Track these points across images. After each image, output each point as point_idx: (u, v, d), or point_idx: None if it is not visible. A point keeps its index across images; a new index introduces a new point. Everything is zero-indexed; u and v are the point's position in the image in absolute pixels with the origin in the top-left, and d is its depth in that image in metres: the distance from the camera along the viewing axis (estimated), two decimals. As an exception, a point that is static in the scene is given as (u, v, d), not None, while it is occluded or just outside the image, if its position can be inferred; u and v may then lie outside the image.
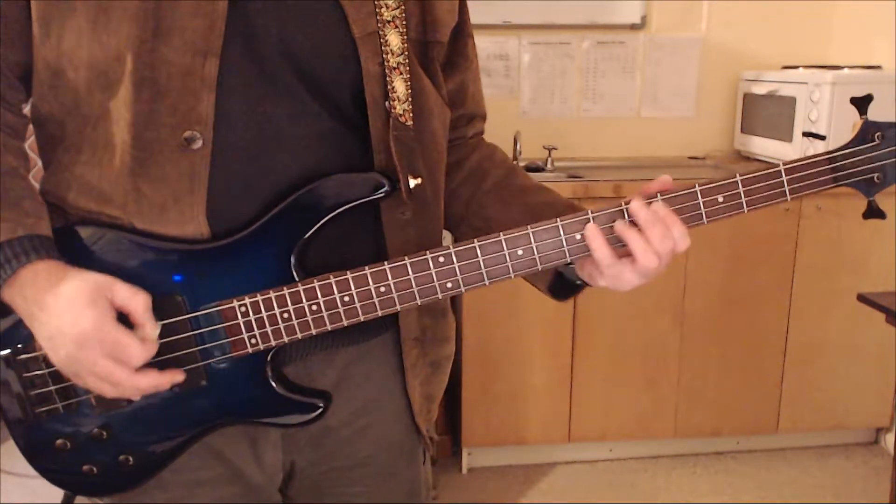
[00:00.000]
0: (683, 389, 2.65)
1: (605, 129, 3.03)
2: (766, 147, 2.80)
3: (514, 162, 1.05)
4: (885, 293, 1.86)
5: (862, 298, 1.83)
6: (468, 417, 2.60)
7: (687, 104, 3.03)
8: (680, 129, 3.06)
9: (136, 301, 0.77)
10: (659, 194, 0.81)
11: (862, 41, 2.85)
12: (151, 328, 0.78)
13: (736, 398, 2.68)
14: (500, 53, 2.91)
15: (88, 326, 0.74)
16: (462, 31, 0.96)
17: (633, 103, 3.02)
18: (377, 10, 0.84)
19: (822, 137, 2.47)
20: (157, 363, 0.79)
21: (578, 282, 0.90)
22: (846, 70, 2.55)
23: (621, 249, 0.81)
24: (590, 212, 0.81)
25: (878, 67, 2.68)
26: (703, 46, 2.98)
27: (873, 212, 0.83)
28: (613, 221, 0.81)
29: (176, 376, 0.80)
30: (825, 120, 2.46)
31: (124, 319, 0.77)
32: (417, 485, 1.03)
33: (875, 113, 0.83)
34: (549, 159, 2.83)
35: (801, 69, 2.72)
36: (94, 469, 0.85)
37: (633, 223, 0.80)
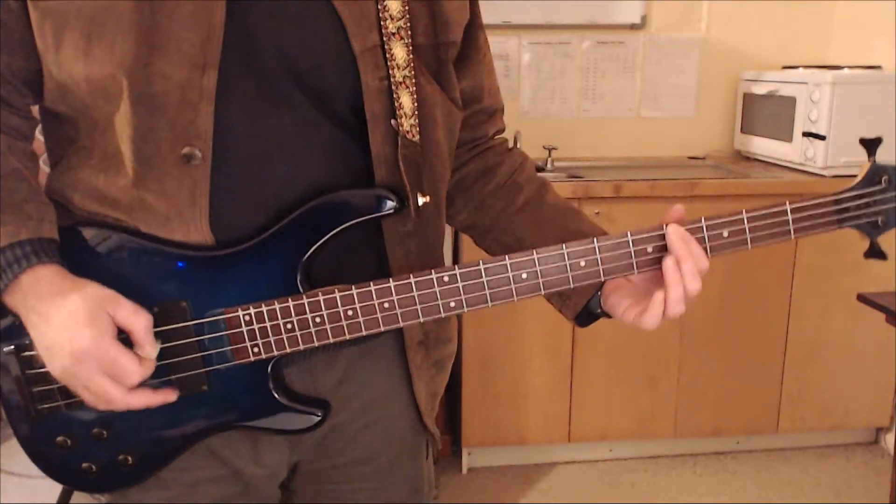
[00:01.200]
0: (683, 389, 2.65)
1: (605, 129, 3.03)
2: (766, 147, 2.80)
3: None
4: (885, 293, 1.86)
5: (862, 298, 1.83)
6: (468, 417, 2.60)
7: (687, 104, 3.03)
8: (680, 129, 3.06)
9: (138, 320, 0.77)
10: (703, 219, 0.81)
11: (862, 41, 2.85)
12: (151, 348, 0.78)
13: (736, 398, 2.68)
14: (500, 53, 2.91)
15: (87, 344, 0.74)
16: (473, 24, 0.94)
17: (632, 103, 3.02)
18: (381, 22, 0.82)
19: (822, 137, 2.47)
20: (159, 367, 0.80)
21: (599, 310, 0.91)
22: (846, 70, 2.55)
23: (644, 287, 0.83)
24: (595, 240, 0.81)
25: (878, 67, 2.68)
26: (703, 46, 2.98)
27: (875, 252, 0.84)
28: (618, 250, 0.81)
29: (169, 396, 0.80)
30: (825, 120, 2.46)
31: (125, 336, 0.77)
32: (420, 482, 1.03)
33: (874, 112, 0.83)
34: (549, 159, 2.82)
35: (801, 69, 2.72)
36: (94, 467, 0.85)
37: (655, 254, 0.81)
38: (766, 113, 2.79)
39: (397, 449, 0.99)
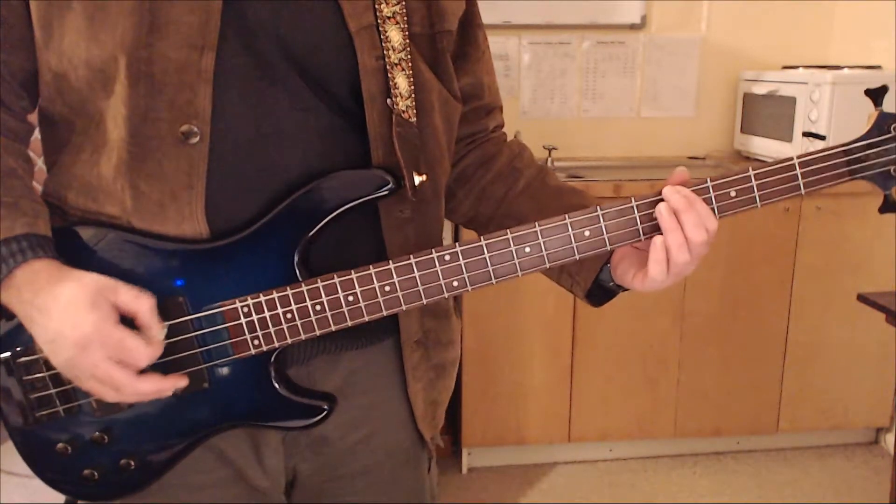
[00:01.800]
0: (683, 389, 2.65)
1: (605, 129, 3.03)
2: (766, 147, 2.80)
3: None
4: (885, 293, 1.86)
5: (862, 298, 1.83)
6: (468, 417, 2.60)
7: (687, 104, 3.03)
8: (680, 129, 3.06)
9: (141, 303, 0.76)
10: (709, 179, 0.80)
11: (862, 41, 2.85)
12: (158, 329, 0.77)
13: (736, 398, 2.68)
14: (500, 53, 2.91)
15: (90, 329, 0.73)
16: (471, 21, 0.95)
17: (633, 103, 3.02)
18: (376, 5, 0.83)
19: (822, 137, 2.47)
20: (159, 366, 0.79)
21: (611, 283, 0.90)
22: (846, 70, 2.56)
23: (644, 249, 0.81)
24: (598, 208, 0.80)
25: (878, 67, 2.68)
26: (703, 46, 2.98)
27: (890, 206, 0.81)
28: (622, 216, 0.80)
29: (179, 381, 0.79)
30: (825, 120, 2.46)
31: (127, 322, 0.76)
32: (421, 493, 1.02)
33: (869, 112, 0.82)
34: (549, 159, 2.82)
35: (801, 69, 2.73)
36: (95, 473, 0.84)
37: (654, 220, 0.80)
38: (766, 113, 2.80)
39: (398, 460, 0.98)
